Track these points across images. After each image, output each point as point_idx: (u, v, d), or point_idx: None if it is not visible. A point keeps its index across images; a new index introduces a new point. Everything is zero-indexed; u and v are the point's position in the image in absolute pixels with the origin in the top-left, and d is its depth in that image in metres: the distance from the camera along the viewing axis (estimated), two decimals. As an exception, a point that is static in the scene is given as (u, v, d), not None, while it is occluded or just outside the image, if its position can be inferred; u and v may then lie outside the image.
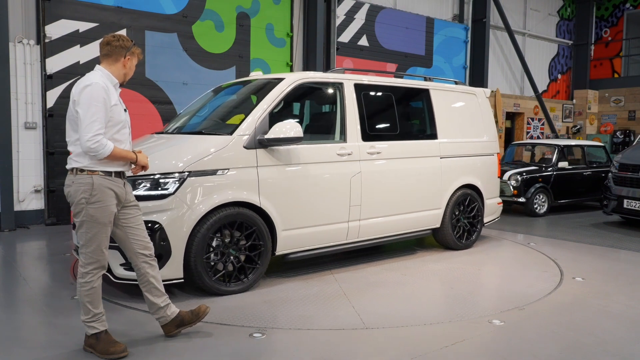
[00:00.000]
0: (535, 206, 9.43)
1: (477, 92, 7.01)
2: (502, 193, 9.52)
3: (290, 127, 4.67)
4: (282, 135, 4.65)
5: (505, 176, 9.48)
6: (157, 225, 4.17)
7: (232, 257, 4.52)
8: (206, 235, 4.34)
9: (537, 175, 9.57)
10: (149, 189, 4.22)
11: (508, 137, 15.51)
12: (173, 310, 3.54)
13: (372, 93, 5.78)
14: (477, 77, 13.77)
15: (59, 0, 7.81)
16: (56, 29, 7.82)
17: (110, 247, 3.91)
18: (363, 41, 11.63)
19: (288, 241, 4.93)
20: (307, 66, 10.48)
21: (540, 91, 15.34)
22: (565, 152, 10.05)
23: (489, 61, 13.97)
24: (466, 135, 6.67)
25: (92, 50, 8.11)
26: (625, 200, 8.15)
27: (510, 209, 10.24)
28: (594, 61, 17.44)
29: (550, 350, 3.48)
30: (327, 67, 10.80)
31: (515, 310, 4.28)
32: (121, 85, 3.40)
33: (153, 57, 8.71)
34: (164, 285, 3.88)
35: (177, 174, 4.29)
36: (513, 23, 14.85)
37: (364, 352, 3.42)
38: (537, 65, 16.00)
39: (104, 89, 3.16)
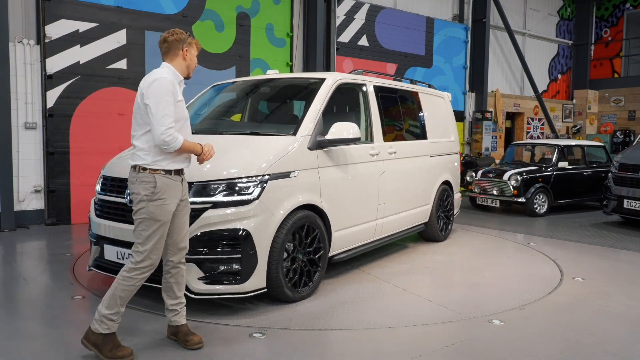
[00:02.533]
0: (535, 206, 9.43)
1: (444, 96, 7.52)
2: (502, 193, 9.56)
3: (349, 128, 4.66)
4: (342, 136, 4.63)
5: (505, 176, 9.49)
6: (245, 233, 3.89)
7: (299, 262, 4.38)
8: (284, 241, 4.16)
9: (537, 175, 9.57)
10: (230, 194, 3.92)
11: (508, 137, 15.52)
12: (176, 318, 3.49)
13: (385, 95, 5.95)
14: (477, 77, 13.78)
15: (59, 0, 7.81)
16: (56, 29, 7.81)
17: (187, 261, 3.72)
18: (363, 41, 11.63)
19: (337, 242, 4.90)
20: (307, 66, 10.49)
21: (540, 91, 15.34)
22: (565, 152, 10.05)
23: (489, 61, 13.98)
24: (442, 135, 7.09)
25: (92, 50, 8.12)
26: (625, 200, 8.15)
27: (510, 209, 10.24)
28: (594, 61, 17.45)
29: (551, 350, 3.48)
30: (327, 67, 10.80)
31: (515, 310, 4.28)
32: (187, 78, 3.45)
33: (153, 57, 8.70)
34: (249, 297, 3.91)
35: (258, 178, 4.04)
36: (513, 23, 14.85)
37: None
38: (537, 65, 16.01)
39: (172, 83, 3.23)
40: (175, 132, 3.17)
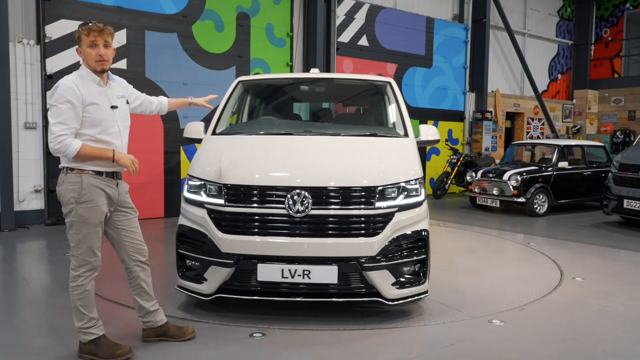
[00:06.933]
0: (535, 206, 9.43)
1: None
2: (502, 193, 9.56)
3: (432, 130, 4.79)
4: (432, 138, 4.75)
5: (505, 176, 9.49)
6: (426, 234, 3.92)
7: None
8: None
9: (537, 175, 9.57)
10: (408, 197, 3.87)
11: (508, 137, 15.52)
12: (162, 317, 3.50)
13: None
14: (477, 77, 13.78)
15: (59, 0, 7.81)
16: (56, 29, 7.82)
17: (380, 268, 3.70)
18: (363, 41, 11.63)
19: None
20: (307, 66, 10.48)
21: (540, 91, 15.34)
22: (565, 152, 10.04)
23: (489, 61, 13.98)
24: None
25: (92, 50, 8.10)
26: (625, 200, 8.15)
27: (510, 209, 10.24)
28: (594, 61, 17.44)
29: (550, 350, 3.48)
30: (327, 68, 10.80)
31: (515, 310, 4.28)
32: (102, 72, 3.19)
33: (153, 57, 8.71)
34: (418, 299, 3.94)
35: (420, 179, 4.02)
36: (513, 23, 14.84)
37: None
38: (537, 65, 16.00)
39: (71, 88, 3.03)
40: (68, 138, 2.98)
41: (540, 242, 7.10)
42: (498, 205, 9.72)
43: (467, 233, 7.70)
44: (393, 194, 3.82)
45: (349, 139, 4.46)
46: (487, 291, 4.83)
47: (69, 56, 7.94)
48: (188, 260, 3.96)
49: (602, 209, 8.77)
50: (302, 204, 3.64)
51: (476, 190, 10.09)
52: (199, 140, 4.75)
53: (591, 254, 6.48)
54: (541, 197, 9.52)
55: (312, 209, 3.65)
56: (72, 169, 3.10)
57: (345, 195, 3.71)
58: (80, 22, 3.27)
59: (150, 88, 8.70)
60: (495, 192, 9.67)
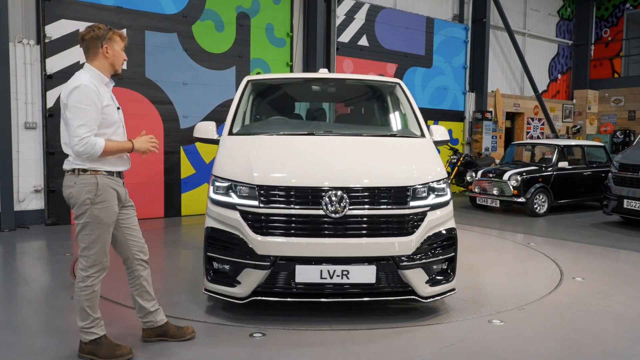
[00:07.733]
0: (535, 206, 9.43)
1: None
2: (502, 193, 9.56)
3: (442, 130, 4.82)
4: (444, 138, 4.79)
5: (505, 176, 9.49)
6: (455, 232, 4.02)
7: None
8: None
9: (537, 175, 9.57)
10: (437, 197, 3.93)
11: (508, 137, 15.52)
12: (162, 317, 3.49)
13: None
14: (477, 77, 13.78)
15: (59, 0, 7.81)
16: (56, 29, 7.82)
17: (415, 267, 3.75)
18: (363, 41, 11.63)
19: None
20: (307, 66, 10.49)
21: (540, 91, 15.34)
22: (565, 152, 10.05)
23: (489, 61, 13.98)
24: None
25: (92, 50, 8.10)
26: (625, 200, 8.15)
27: (510, 209, 10.24)
28: (594, 61, 17.44)
29: (550, 350, 3.48)
30: (327, 68, 10.79)
31: (515, 310, 4.28)
32: (116, 76, 3.29)
33: (153, 57, 8.71)
34: (443, 298, 3.97)
35: (444, 180, 4.07)
36: (513, 23, 14.84)
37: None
38: (537, 65, 16.00)
39: (92, 89, 3.04)
40: (92, 138, 2.98)
41: (540, 242, 7.10)
42: (498, 205, 9.72)
43: (467, 233, 7.70)
44: (425, 194, 3.88)
45: (372, 139, 4.52)
46: (487, 291, 4.83)
47: (69, 56, 7.95)
48: (217, 263, 3.86)
49: (602, 209, 8.77)
50: (339, 204, 3.64)
51: (476, 190, 10.10)
52: (211, 141, 4.69)
53: (591, 254, 6.48)
54: (541, 197, 9.52)
55: (349, 209, 3.66)
56: (85, 170, 3.09)
57: (382, 195, 3.75)
58: (89, 23, 3.38)
59: (150, 88, 8.71)
60: (495, 192, 9.67)
